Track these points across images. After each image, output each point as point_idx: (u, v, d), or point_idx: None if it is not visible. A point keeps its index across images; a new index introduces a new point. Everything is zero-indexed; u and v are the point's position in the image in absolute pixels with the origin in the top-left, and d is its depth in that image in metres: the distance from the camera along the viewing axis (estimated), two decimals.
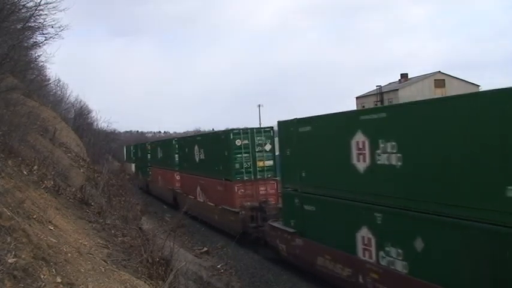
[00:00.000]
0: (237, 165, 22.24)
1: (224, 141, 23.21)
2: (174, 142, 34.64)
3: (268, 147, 22.52)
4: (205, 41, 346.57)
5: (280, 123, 17.69)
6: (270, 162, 22.46)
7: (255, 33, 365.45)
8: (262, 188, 22.04)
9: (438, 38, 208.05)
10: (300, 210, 15.54)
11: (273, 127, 22.83)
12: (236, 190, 22.07)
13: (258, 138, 22.40)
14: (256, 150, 22.28)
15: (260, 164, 22.29)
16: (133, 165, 56.27)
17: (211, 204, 24.98)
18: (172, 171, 33.82)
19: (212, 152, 25.35)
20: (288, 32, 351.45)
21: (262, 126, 26.42)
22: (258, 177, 22.24)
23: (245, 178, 22.12)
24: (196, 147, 27.97)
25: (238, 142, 22.35)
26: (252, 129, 23.01)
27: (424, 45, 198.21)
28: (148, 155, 45.35)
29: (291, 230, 16.07)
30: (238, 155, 22.21)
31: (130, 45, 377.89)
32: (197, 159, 27.77)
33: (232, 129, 23.30)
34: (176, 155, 33.16)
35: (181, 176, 32.03)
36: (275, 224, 17.75)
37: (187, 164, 30.21)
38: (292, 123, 16.16)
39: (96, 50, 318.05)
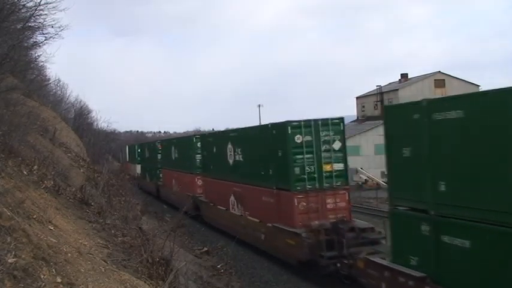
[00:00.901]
0: (297, 170, 16.98)
1: (278, 138, 17.93)
2: (194, 140, 29.35)
3: (337, 145, 17.43)
4: (206, 41, 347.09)
5: (389, 108, 14.49)
6: (340, 166, 17.43)
7: (255, 33, 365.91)
8: (330, 201, 17.00)
9: (438, 38, 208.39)
10: (432, 244, 10.16)
11: (343, 118, 18.26)
12: (296, 203, 16.71)
13: (324, 133, 17.27)
14: (322, 149, 17.20)
15: (327, 167, 17.19)
16: (138, 167, 51.30)
17: (254, 219, 19.73)
18: (191, 175, 29.05)
19: (256, 152, 19.90)
20: (288, 32, 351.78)
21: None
22: (325, 185, 17.05)
23: (308, 187, 16.89)
24: (229, 146, 22.67)
25: (298, 138, 17.07)
26: (316, 121, 17.44)
27: (424, 45, 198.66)
28: (159, 155, 40.20)
29: (417, 274, 10.51)
30: (299, 156, 17.01)
31: (130, 45, 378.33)
32: (231, 161, 22.48)
33: (290, 121, 17.49)
34: (197, 156, 28.37)
35: (205, 181, 27.09)
36: (380, 261, 12.32)
37: (215, 167, 25.16)
38: (419, 107, 10.71)
39: (97, 50, 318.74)
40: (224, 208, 23.03)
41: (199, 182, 28.00)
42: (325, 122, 17.42)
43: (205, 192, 27.11)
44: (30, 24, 16.33)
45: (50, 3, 15.37)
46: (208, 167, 26.50)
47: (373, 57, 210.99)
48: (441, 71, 79.08)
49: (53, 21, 16.55)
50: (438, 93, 69.03)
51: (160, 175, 39.21)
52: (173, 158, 34.61)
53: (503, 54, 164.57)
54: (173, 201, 32.41)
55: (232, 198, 22.20)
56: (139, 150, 52.20)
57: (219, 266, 18.05)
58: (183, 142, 33.61)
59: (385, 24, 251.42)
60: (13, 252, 5.32)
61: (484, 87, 76.02)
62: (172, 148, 35.15)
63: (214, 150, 25.23)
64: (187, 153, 30.47)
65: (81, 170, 20.18)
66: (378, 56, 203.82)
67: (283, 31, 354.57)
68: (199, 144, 28.44)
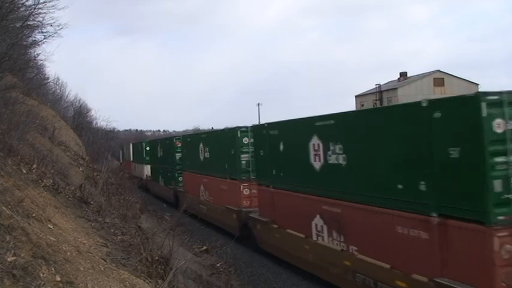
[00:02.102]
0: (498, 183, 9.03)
1: (458, 122, 9.38)
2: (240, 134, 21.61)
3: None
4: (207, 40, 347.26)
5: None
6: None
7: (256, 33, 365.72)
8: None
9: (440, 36, 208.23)
10: None
11: None
12: (497, 247, 8.67)
13: None
14: None
15: None
16: (147, 168, 44.90)
17: (377, 263, 11.76)
18: (234, 182, 21.76)
19: (395, 149, 11.29)
20: (289, 32, 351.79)
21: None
22: None
23: None
24: (315, 142, 14.48)
25: (498, 125, 8.81)
26: None
27: (425, 44, 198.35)
28: (178, 154, 32.91)
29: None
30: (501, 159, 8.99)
31: (132, 44, 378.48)
32: (317, 166, 14.46)
33: (487, 93, 9.05)
34: (244, 156, 21.29)
35: (262, 192, 18.85)
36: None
37: (288, 174, 16.64)
38: None
39: (99, 49, 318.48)
40: (302, 235, 15.35)
41: (246, 192, 21.10)
42: None
43: (261, 207, 19.23)
44: (29, 23, 16.35)
45: (49, 1, 15.41)
46: (267, 173, 18.08)
47: (374, 56, 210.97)
48: (441, 69, 79.26)
49: (52, 19, 16.59)
50: (437, 92, 69.20)
51: (180, 179, 32.65)
52: (201, 158, 26.95)
53: (504, 53, 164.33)
54: (202, 214, 25.21)
55: (318, 221, 14.57)
56: (147, 149, 45.19)
57: (218, 265, 18.04)
58: (220, 138, 25.07)
59: (387, 23, 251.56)
60: (12, 251, 5.32)
61: (484, 86, 76.21)
62: (201, 146, 27.24)
63: (282, 148, 16.88)
64: (227, 153, 22.66)
65: (81, 169, 20.19)
66: (378, 55, 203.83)
67: (285, 30, 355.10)
68: (245, 140, 21.68)
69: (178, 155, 32.86)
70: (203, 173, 26.74)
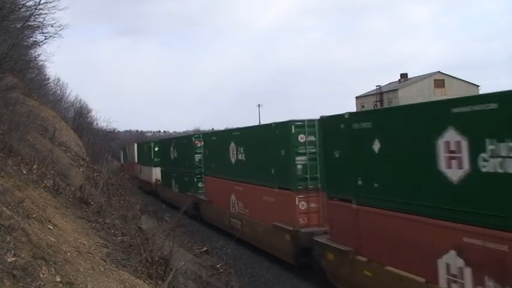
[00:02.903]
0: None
1: None
2: (294, 130, 17.03)
3: None
4: (207, 40, 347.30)
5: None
6: None
7: (256, 34, 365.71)
8: None
9: (440, 37, 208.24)
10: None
11: None
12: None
13: None
14: None
15: None
16: (156, 170, 40.70)
17: None
18: (287, 193, 17.17)
19: None
20: (289, 32, 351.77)
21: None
22: None
23: None
24: (451, 138, 9.62)
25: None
26: None
27: (426, 45, 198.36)
28: (197, 155, 28.67)
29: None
30: None
31: (133, 44, 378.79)
32: (454, 176, 9.58)
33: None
34: (300, 159, 16.92)
35: (334, 208, 14.12)
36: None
37: (386, 185, 11.73)
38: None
39: (99, 49, 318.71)
40: (420, 279, 10.38)
41: (303, 206, 16.72)
42: None
43: (335, 230, 14.13)
44: (30, 23, 16.34)
45: (50, 2, 15.40)
46: (345, 183, 13.19)
47: (374, 56, 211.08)
48: (441, 71, 79.38)
49: (53, 20, 16.58)
50: (438, 94, 69.25)
51: (200, 185, 28.45)
52: (233, 161, 22.59)
53: (506, 54, 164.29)
54: (233, 230, 21.58)
55: (452, 259, 9.67)
56: (156, 149, 41.27)
57: (218, 266, 18.05)
58: (262, 135, 19.77)
59: (387, 23, 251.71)
60: (12, 252, 5.31)
61: (485, 87, 76.32)
62: (232, 146, 22.68)
63: (384, 147, 11.78)
64: (273, 155, 18.11)
65: (81, 170, 20.17)
66: (379, 55, 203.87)
67: (285, 31, 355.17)
68: (301, 138, 16.97)
69: (198, 157, 28.47)
70: (236, 179, 22.11)
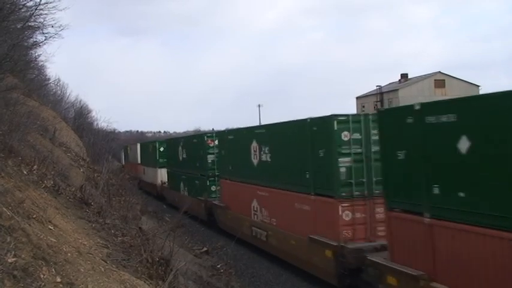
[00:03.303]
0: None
1: None
2: (337, 126, 14.36)
3: None
4: (208, 41, 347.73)
5: None
6: None
7: (257, 34, 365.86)
8: None
9: (440, 37, 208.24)
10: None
11: None
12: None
13: None
14: None
15: None
16: (161, 172, 38.33)
17: None
18: (326, 200, 14.65)
19: None
20: (289, 32, 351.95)
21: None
22: None
23: None
24: None
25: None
26: None
27: (426, 44, 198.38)
28: (211, 156, 25.89)
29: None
30: None
31: (133, 44, 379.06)
32: None
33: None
34: (344, 160, 14.35)
35: (394, 219, 11.63)
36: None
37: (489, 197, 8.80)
38: None
39: (99, 50, 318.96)
40: None
41: (347, 216, 14.08)
42: None
43: (395, 247, 11.63)
44: (30, 24, 16.36)
45: (50, 2, 15.42)
46: (415, 190, 10.83)
47: (374, 57, 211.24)
48: (442, 71, 79.34)
49: (53, 20, 16.61)
50: (438, 94, 69.24)
51: (213, 188, 25.92)
52: (255, 162, 19.81)
53: (506, 54, 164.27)
54: (256, 241, 19.68)
55: None
56: (161, 149, 38.74)
57: (218, 266, 18.05)
58: (293, 133, 16.96)
59: (387, 23, 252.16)
60: (13, 252, 5.32)
61: (485, 88, 76.33)
62: (254, 145, 19.80)
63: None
64: (309, 155, 15.42)
65: (81, 170, 20.19)
66: (379, 56, 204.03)
67: (285, 31, 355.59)
68: (345, 135, 14.32)
69: (211, 158, 25.88)
70: (258, 183, 19.44)
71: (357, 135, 14.28)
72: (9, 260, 5.13)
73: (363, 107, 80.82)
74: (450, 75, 78.13)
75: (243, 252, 20.02)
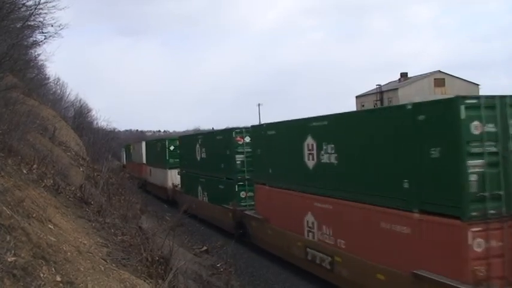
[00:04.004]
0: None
1: None
2: (465, 114, 9.72)
3: None
4: (208, 40, 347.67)
5: None
6: None
7: (257, 34, 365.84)
8: None
9: (441, 37, 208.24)
10: None
11: None
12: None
13: None
14: None
15: None
16: (171, 174, 34.45)
17: None
18: (444, 222, 9.97)
19: None
20: (290, 32, 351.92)
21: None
22: None
23: None
24: None
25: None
26: None
27: (426, 44, 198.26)
28: (240, 156, 22.02)
29: None
30: None
31: (133, 44, 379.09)
32: None
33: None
34: (475, 163, 9.69)
35: None
36: None
37: None
38: None
39: (99, 49, 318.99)
40: None
41: (479, 246, 9.60)
42: None
43: None
44: (29, 23, 16.37)
45: (50, 2, 15.45)
46: None
47: (375, 56, 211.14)
48: (442, 70, 79.28)
49: (53, 20, 16.64)
50: (438, 93, 69.21)
51: (242, 194, 21.76)
52: (309, 165, 15.49)
53: (505, 54, 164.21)
54: (313, 267, 15.40)
55: None
56: (171, 148, 35.07)
57: (218, 265, 18.04)
58: (375, 125, 12.60)
59: (387, 23, 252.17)
60: (12, 251, 5.32)
61: (485, 87, 76.37)
62: (309, 142, 15.44)
63: None
64: (413, 157, 10.92)
65: (81, 169, 20.20)
66: (379, 55, 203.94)
67: (285, 31, 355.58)
68: (476, 128, 9.78)
69: (240, 158, 22.03)
70: (315, 191, 15.07)
71: (491, 127, 9.97)
72: (9, 259, 5.13)
73: (363, 106, 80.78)
74: (450, 74, 78.12)
75: (243, 252, 20.01)
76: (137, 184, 38.10)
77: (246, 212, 20.67)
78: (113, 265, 7.46)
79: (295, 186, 16.38)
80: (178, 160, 33.37)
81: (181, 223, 20.70)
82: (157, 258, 9.69)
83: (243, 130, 22.45)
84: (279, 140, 17.87)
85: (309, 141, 15.29)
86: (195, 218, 25.04)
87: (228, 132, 23.62)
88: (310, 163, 15.25)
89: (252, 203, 20.76)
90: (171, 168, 34.64)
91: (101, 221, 10.88)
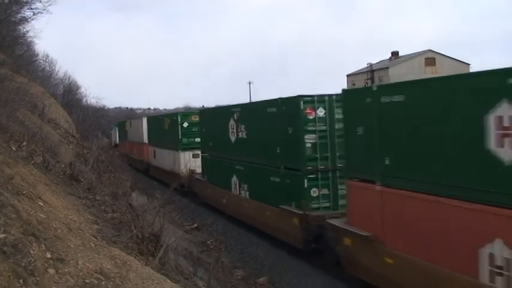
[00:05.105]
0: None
1: None
2: None
3: None
4: (200, 18, 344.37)
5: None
6: None
7: (249, 11, 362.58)
8: None
9: (434, 15, 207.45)
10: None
11: None
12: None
13: None
14: None
15: None
16: (184, 157, 29.00)
17: None
18: None
19: None
20: (282, 11, 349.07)
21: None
22: None
23: None
24: None
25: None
26: None
27: (419, 22, 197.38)
28: (310, 137, 15.78)
29: None
30: None
31: (123, 21, 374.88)
32: None
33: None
34: None
35: None
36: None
37: None
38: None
39: (89, 25, 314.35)
40: None
41: None
42: None
43: None
44: None
45: None
46: None
47: (367, 35, 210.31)
48: (434, 49, 79.28)
49: None
50: (428, 72, 69.29)
51: (313, 193, 15.74)
52: (504, 158, 8.40)
53: (497, 33, 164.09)
54: None
55: None
56: (185, 125, 29.48)
57: (208, 242, 18.19)
58: None
59: (380, 0, 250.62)
60: (2, 228, 5.33)
61: (476, 66, 76.47)
62: (501, 110, 8.36)
63: None
64: None
65: (71, 146, 20.14)
66: (372, 34, 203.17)
67: (277, 9, 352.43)
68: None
69: (311, 139, 15.73)
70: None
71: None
72: None
73: (353, 84, 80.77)
74: (440, 53, 78.16)
75: (233, 229, 20.15)
76: (133, 167, 36.03)
77: (333, 222, 13.81)
78: (103, 242, 7.49)
79: (451, 190, 9.61)
80: (193, 140, 28.58)
81: (172, 200, 20.77)
82: (147, 235, 9.72)
83: (315, 98, 15.98)
84: (405, 110, 11.02)
85: (505, 107, 8.41)
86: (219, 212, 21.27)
87: (290, 101, 16.52)
88: (503, 153, 8.45)
89: (327, 204, 15.69)
90: (184, 149, 29.15)
91: (91, 198, 10.89)
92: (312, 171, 15.70)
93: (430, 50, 78.78)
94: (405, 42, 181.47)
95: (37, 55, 39.05)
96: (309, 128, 15.73)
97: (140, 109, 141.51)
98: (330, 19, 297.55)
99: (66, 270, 5.53)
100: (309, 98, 15.85)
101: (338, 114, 15.28)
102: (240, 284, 13.98)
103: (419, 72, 67.28)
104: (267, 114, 18.12)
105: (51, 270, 5.32)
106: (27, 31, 23.18)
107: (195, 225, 20.97)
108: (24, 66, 29.87)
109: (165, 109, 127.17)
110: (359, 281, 12.62)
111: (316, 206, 15.56)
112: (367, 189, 12.24)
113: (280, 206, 16.51)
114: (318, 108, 15.81)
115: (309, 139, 15.72)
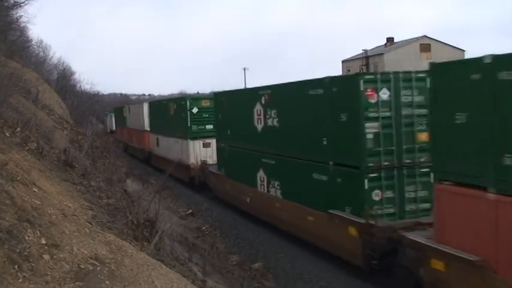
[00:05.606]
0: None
1: None
2: None
3: None
4: (196, 3, 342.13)
5: None
6: None
7: None
8: None
9: (428, 2, 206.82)
10: None
11: None
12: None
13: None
14: None
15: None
16: (193, 146, 26.50)
17: None
18: None
19: None
20: None
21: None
22: None
23: None
24: None
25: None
26: None
27: (416, 7, 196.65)
28: (372, 125, 12.59)
29: None
30: None
31: (117, 7, 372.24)
32: None
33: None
34: None
35: None
36: None
37: None
38: None
39: (84, 10, 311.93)
40: None
41: None
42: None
43: None
44: None
45: None
46: None
47: (361, 21, 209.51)
48: (428, 35, 79.11)
49: None
50: (423, 58, 69.22)
51: (376, 196, 12.67)
52: None
53: (492, 19, 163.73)
54: None
55: None
56: (194, 111, 26.73)
57: (203, 228, 18.23)
58: None
59: None
60: None
61: (471, 53, 76.36)
62: None
63: None
64: None
65: (65, 132, 20.05)
66: (366, 20, 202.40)
67: None
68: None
69: (372, 129, 12.72)
70: None
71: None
72: None
73: (348, 70, 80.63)
74: (436, 40, 78.04)
75: (228, 215, 20.21)
76: (134, 155, 35.07)
77: (413, 237, 10.75)
78: (98, 228, 7.50)
79: None
80: (204, 128, 26.14)
81: (167, 186, 20.76)
82: (143, 221, 9.74)
83: (378, 77, 12.92)
84: None
85: None
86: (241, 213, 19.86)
87: (345, 81, 14.58)
88: None
89: (391, 210, 12.79)
90: (194, 138, 26.34)
91: (86, 184, 10.88)
92: (373, 169, 12.64)
93: (426, 36, 78.63)
94: (400, 29, 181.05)
95: (31, 40, 38.75)
96: (371, 115, 12.57)
97: (135, 95, 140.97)
98: (326, 4, 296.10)
99: (61, 256, 5.54)
100: (371, 77, 13.01)
101: (405, 97, 12.68)
102: (235, 270, 14.03)
103: (415, 58, 67.27)
104: (308, 97, 14.78)
105: (46, 256, 5.33)
106: (21, 16, 23.00)
107: (190, 211, 20.99)
108: (18, 51, 29.66)
109: (159, 95, 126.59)
110: None
111: (378, 212, 12.42)
112: (471, 197, 9.15)
113: (329, 211, 13.46)
114: (381, 90, 12.65)
115: (370, 129, 12.57)
